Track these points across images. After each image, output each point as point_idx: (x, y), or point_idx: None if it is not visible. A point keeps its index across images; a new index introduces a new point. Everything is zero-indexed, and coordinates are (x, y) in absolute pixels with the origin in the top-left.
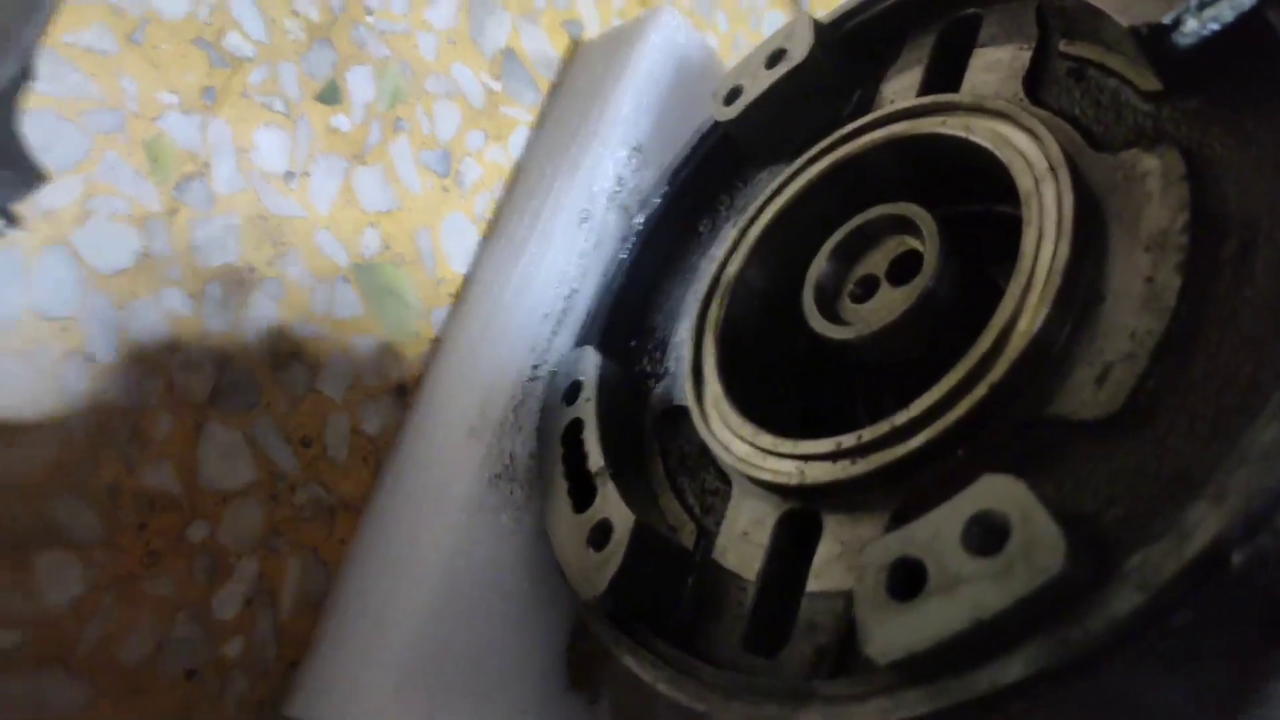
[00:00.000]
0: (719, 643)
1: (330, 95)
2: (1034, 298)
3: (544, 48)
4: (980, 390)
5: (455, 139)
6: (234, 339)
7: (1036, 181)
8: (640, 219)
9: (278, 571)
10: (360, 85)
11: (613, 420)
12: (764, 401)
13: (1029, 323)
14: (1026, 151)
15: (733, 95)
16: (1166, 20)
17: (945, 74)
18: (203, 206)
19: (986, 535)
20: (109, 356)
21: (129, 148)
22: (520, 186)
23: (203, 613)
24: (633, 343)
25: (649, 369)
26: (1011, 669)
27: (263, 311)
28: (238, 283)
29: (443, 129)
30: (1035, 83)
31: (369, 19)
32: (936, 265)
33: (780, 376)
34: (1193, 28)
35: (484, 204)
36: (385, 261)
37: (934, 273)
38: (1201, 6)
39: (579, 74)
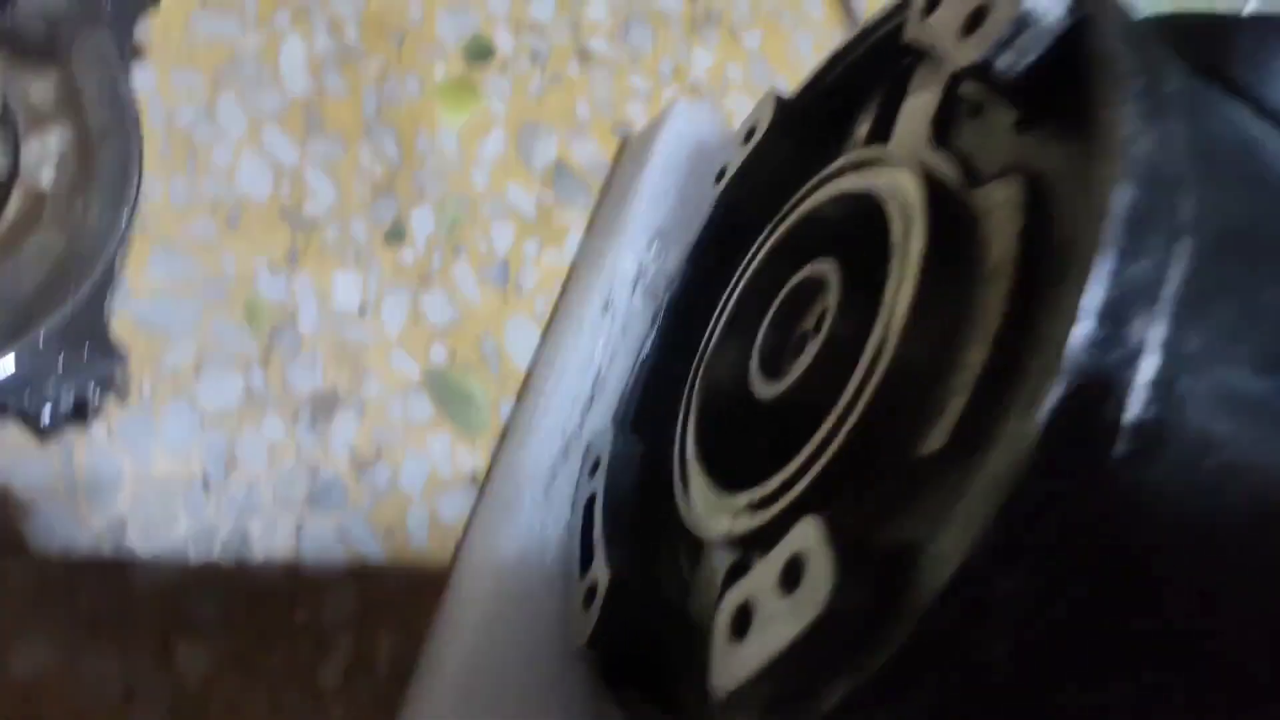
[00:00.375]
0: (687, 689)
1: (395, 236)
2: (888, 345)
3: (594, 153)
4: (840, 439)
5: (512, 251)
6: (323, 451)
7: (906, 227)
8: (665, 299)
9: (372, 645)
10: (422, 222)
11: (619, 491)
12: (752, 463)
13: (881, 370)
14: (908, 197)
15: (720, 174)
16: (979, 59)
17: (887, 127)
18: (292, 346)
19: (795, 575)
20: (222, 478)
21: (230, 309)
22: (568, 283)
23: (310, 683)
24: (667, 415)
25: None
26: (827, 698)
27: (346, 426)
28: (324, 405)
29: (499, 244)
30: (944, 125)
31: (426, 164)
32: (835, 315)
33: (762, 436)
34: (1007, 62)
35: (543, 304)
36: (453, 368)
37: (833, 322)
38: (1006, 43)
39: (618, 171)
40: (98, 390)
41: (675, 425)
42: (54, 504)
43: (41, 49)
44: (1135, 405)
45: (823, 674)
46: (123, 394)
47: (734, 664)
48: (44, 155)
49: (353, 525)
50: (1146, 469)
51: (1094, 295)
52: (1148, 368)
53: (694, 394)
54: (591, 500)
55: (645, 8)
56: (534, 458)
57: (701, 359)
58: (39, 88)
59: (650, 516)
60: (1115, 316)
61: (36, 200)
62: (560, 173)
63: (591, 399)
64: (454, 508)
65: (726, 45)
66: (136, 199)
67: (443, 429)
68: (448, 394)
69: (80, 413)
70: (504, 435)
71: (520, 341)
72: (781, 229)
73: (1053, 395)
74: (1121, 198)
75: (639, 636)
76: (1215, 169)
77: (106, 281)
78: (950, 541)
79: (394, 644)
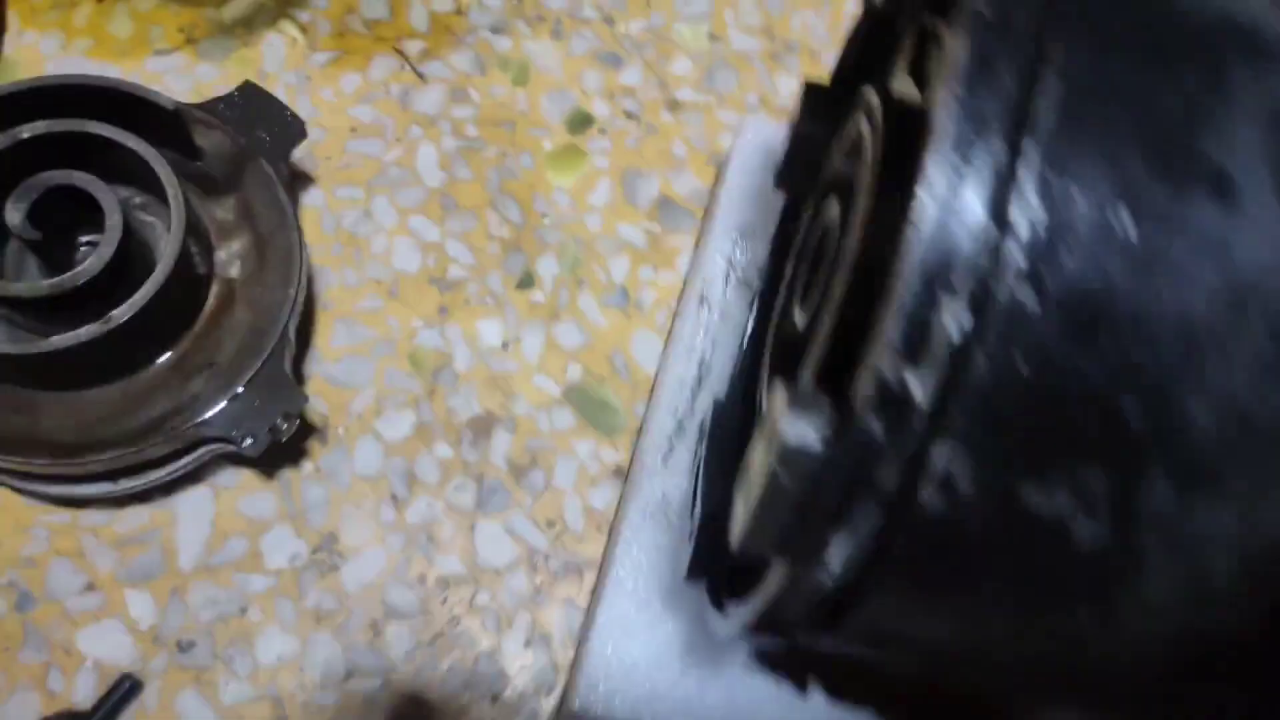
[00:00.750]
0: None
1: (526, 282)
2: (854, 239)
3: (693, 184)
4: (826, 328)
5: (629, 278)
6: (487, 463)
7: (872, 138)
8: (759, 286)
9: (546, 619)
10: (547, 267)
11: (721, 449)
12: None
13: (850, 262)
14: (875, 115)
15: (776, 163)
16: None
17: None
18: (450, 383)
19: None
20: (406, 494)
21: (398, 360)
22: (679, 293)
23: (496, 654)
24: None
25: None
26: (814, 530)
27: (502, 441)
28: (483, 426)
29: (617, 274)
30: (919, 63)
31: (545, 221)
32: (836, 238)
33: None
34: None
35: (663, 317)
36: (589, 383)
37: (836, 245)
38: None
39: (712, 191)
40: (284, 422)
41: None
42: (281, 526)
43: (223, 181)
44: (1017, 214)
45: (803, 509)
46: (321, 435)
47: (739, 515)
48: (230, 257)
49: (517, 521)
50: (1049, 269)
51: (945, 122)
52: (1025, 175)
53: (771, 344)
54: (701, 463)
55: (725, 53)
56: (652, 436)
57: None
58: (223, 209)
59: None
60: (969, 141)
61: (229, 289)
62: (664, 205)
63: (699, 381)
64: (603, 498)
65: (809, 67)
66: (300, 279)
67: (586, 434)
68: (587, 404)
69: (274, 440)
70: (639, 430)
71: (646, 352)
72: (818, 193)
73: (918, 213)
74: (959, 48)
75: (727, 560)
76: (1101, 19)
77: (284, 342)
78: (872, 356)
79: (564, 617)
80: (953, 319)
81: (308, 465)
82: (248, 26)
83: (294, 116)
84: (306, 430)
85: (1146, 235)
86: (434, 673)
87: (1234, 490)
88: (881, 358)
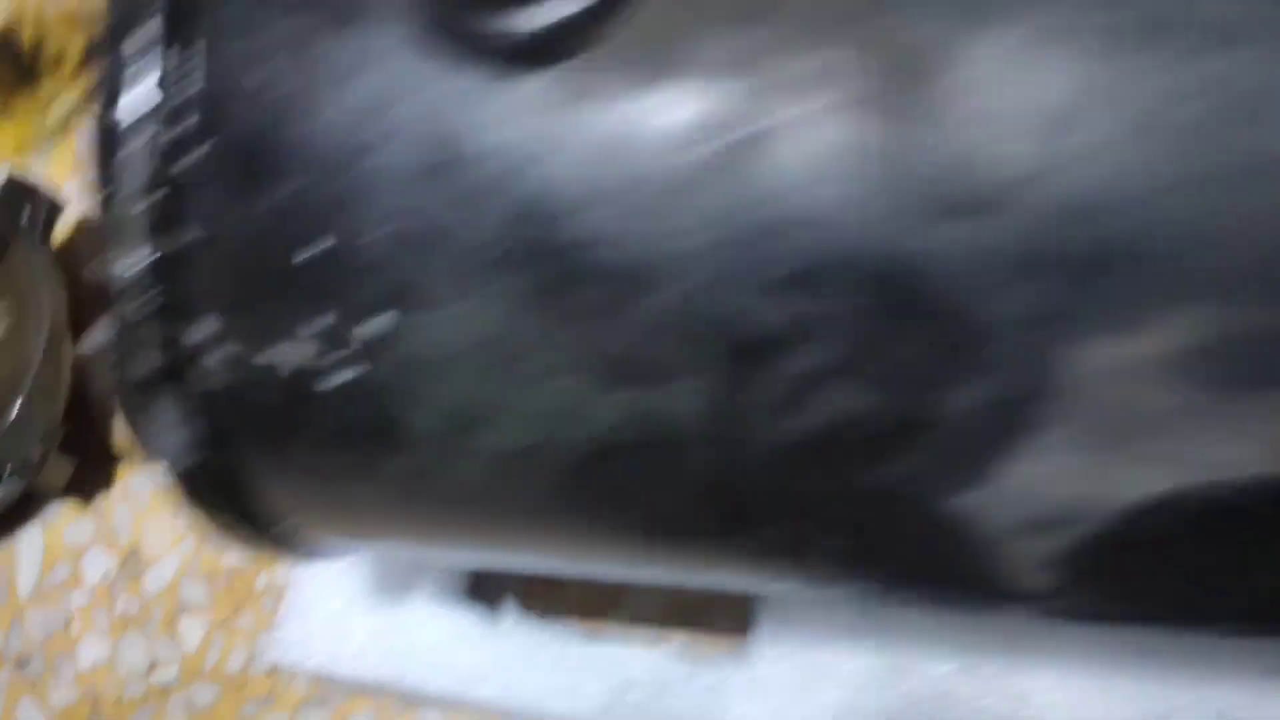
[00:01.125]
0: None
1: None
2: None
3: None
4: None
5: None
6: None
7: None
8: None
9: None
10: None
11: None
12: None
13: None
14: None
15: None
16: None
17: None
18: None
19: None
20: None
21: None
22: None
23: (276, 628)
24: None
25: None
26: None
27: None
28: None
29: None
30: None
31: None
32: None
33: None
34: None
35: None
36: None
37: None
38: None
39: None
40: (31, 457)
41: None
42: (96, 547)
43: None
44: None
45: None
46: (129, 462)
47: None
48: None
49: None
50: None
51: None
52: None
53: None
54: None
55: None
56: None
57: None
58: None
59: None
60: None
61: None
62: None
63: None
64: None
65: None
66: (46, 334)
67: None
68: None
69: (29, 475)
70: None
71: None
72: None
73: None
74: None
75: None
76: None
77: (37, 387)
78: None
79: None
80: (132, 190)
81: (117, 489)
82: (66, 125)
83: (52, 200)
84: (117, 459)
85: (281, 73)
86: (221, 653)
87: (439, 306)
88: (107, 258)
